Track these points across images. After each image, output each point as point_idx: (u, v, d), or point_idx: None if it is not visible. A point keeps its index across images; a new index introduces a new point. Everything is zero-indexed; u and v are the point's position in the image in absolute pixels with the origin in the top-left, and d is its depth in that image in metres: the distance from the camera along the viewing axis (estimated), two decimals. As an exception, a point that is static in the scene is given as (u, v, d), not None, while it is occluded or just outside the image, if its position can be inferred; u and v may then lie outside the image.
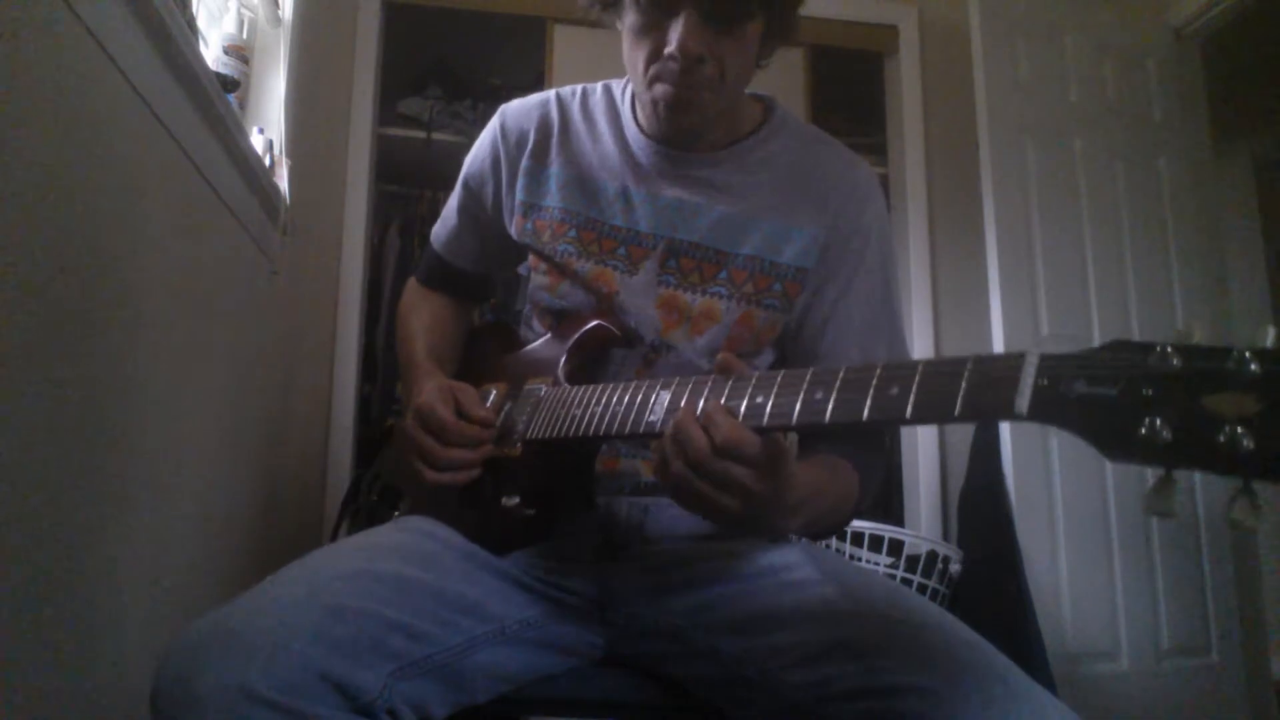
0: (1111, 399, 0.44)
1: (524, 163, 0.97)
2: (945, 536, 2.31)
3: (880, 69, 2.68)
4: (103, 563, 0.91)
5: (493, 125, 1.02)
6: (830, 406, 0.57)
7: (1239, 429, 0.40)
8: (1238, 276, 2.95)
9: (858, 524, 1.91)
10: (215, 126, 1.18)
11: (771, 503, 0.64)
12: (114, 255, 0.90)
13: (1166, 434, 0.41)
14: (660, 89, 0.85)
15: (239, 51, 1.48)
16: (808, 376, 0.60)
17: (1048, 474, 2.10)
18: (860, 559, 1.88)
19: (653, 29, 0.83)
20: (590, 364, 0.91)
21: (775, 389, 0.61)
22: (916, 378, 0.53)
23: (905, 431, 2.47)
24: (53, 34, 0.76)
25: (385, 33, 2.42)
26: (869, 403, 0.55)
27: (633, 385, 0.74)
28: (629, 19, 0.85)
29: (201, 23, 1.36)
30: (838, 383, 0.58)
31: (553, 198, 0.96)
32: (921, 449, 2.41)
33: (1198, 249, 2.42)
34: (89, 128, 0.84)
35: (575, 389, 0.81)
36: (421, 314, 1.09)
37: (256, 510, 1.63)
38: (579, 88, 1.01)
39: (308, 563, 0.76)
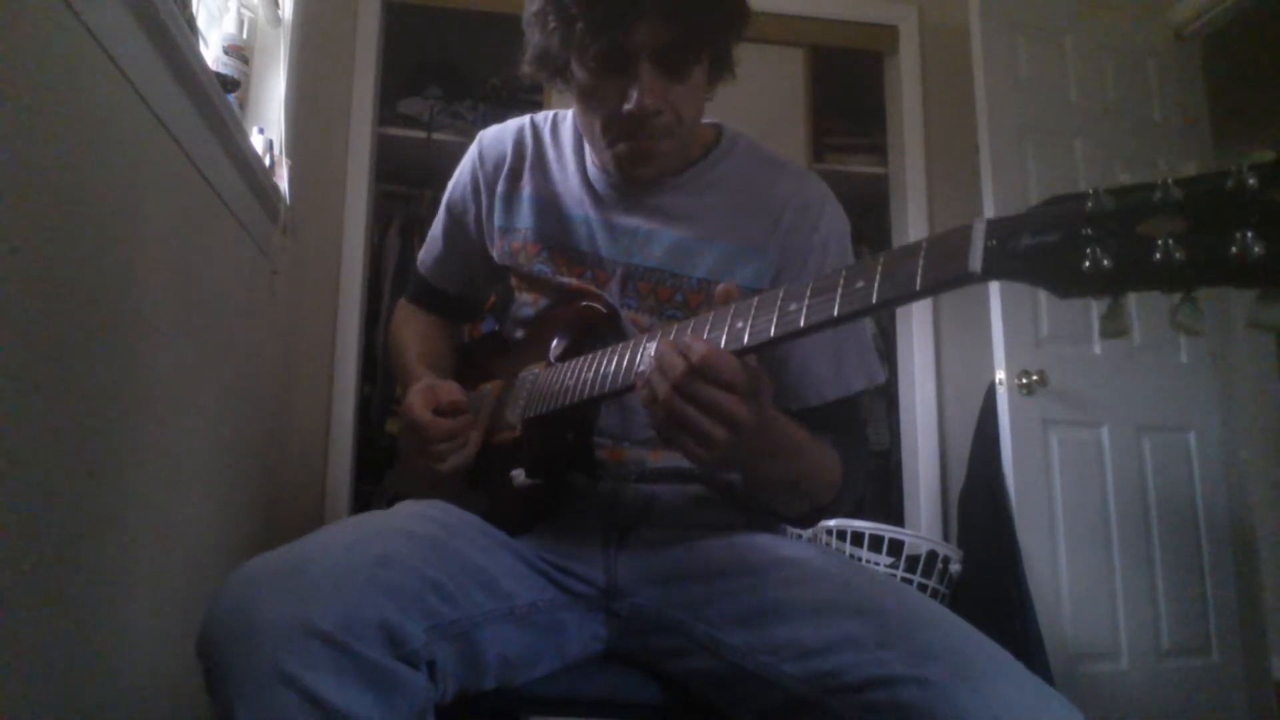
0: (1054, 244, 0.48)
1: (500, 187, 1.02)
2: (945, 536, 2.31)
3: (880, 69, 2.68)
4: (102, 561, 0.91)
5: (471, 152, 1.06)
6: (804, 313, 0.61)
7: (1170, 242, 0.44)
8: (1238, 276, 2.95)
9: (858, 524, 1.91)
10: (215, 126, 1.18)
11: (756, 434, 0.68)
12: (114, 255, 0.90)
13: (1108, 262, 0.46)
14: (622, 147, 0.89)
15: (239, 51, 1.48)
16: (780, 294, 0.64)
17: (1048, 474, 2.10)
18: (860, 559, 1.88)
19: (606, 89, 0.86)
20: (580, 345, 0.93)
21: (752, 313, 0.65)
22: (879, 268, 0.57)
23: (905, 431, 2.47)
24: (53, 34, 0.76)
25: (385, 33, 2.43)
26: (838, 300, 0.59)
27: (620, 346, 0.78)
28: (580, 79, 0.88)
29: (201, 23, 1.36)
30: (808, 293, 0.62)
31: (525, 220, 1.00)
32: (921, 449, 2.41)
33: (1198, 249, 2.42)
34: (89, 128, 0.84)
35: (567, 364, 0.85)
36: (413, 326, 1.14)
37: (257, 509, 1.63)
38: (552, 114, 1.06)
39: (345, 523, 0.79)
